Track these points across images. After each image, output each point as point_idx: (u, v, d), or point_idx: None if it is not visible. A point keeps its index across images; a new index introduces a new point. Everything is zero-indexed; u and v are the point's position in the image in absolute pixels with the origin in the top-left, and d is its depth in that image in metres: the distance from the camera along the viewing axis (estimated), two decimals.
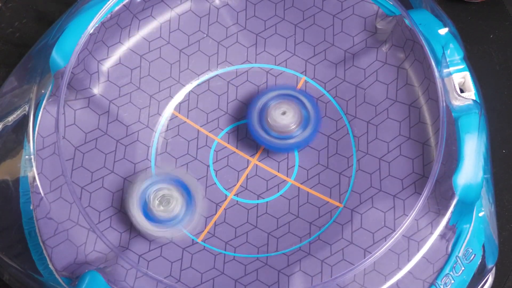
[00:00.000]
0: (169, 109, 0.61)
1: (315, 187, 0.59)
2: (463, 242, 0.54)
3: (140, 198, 0.56)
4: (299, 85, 0.61)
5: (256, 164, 0.60)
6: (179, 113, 0.61)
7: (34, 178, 0.57)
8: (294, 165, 0.60)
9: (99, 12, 0.58)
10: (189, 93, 0.62)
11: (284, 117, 0.58)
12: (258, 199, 0.59)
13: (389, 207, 0.56)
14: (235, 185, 0.60)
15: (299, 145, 0.59)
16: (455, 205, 0.53)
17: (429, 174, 0.54)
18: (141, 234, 0.57)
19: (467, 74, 0.57)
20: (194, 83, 0.62)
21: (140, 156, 0.60)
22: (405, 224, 0.53)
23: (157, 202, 0.56)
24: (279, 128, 0.58)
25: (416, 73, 0.58)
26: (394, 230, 0.55)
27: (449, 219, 0.54)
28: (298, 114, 0.58)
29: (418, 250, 0.54)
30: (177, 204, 0.56)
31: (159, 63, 0.61)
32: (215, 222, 0.59)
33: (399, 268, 0.54)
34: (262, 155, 0.60)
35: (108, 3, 0.58)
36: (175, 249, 0.58)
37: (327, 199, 0.58)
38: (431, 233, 0.54)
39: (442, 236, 0.54)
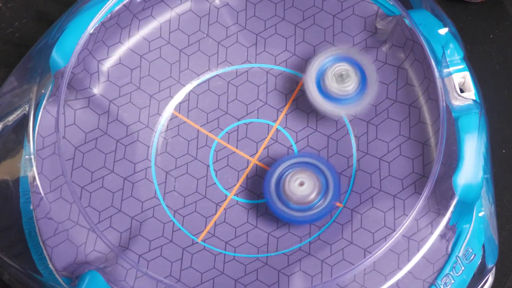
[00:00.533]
0: (169, 109, 0.61)
1: None
2: (463, 242, 0.54)
3: (316, 75, 0.58)
4: (299, 86, 0.61)
5: (256, 164, 0.60)
6: (179, 113, 0.61)
7: (34, 178, 0.57)
8: None
9: (99, 12, 0.58)
10: (189, 93, 0.62)
11: (302, 188, 0.56)
12: (258, 199, 0.59)
13: (389, 207, 0.56)
14: (235, 185, 0.60)
15: (319, 217, 0.57)
16: (455, 205, 0.53)
17: (429, 174, 0.54)
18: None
19: (467, 74, 0.57)
20: (194, 83, 0.62)
21: (140, 156, 0.60)
22: (405, 224, 0.53)
23: (334, 78, 0.57)
24: (297, 199, 0.56)
25: (416, 73, 0.58)
26: (394, 230, 0.55)
27: (449, 219, 0.54)
28: (316, 183, 0.56)
29: (418, 250, 0.54)
30: (352, 81, 0.57)
31: (159, 63, 0.61)
32: (215, 222, 0.59)
33: (399, 268, 0.54)
34: (262, 155, 0.60)
35: (108, 3, 0.58)
36: (175, 249, 0.58)
37: None
38: (431, 233, 0.54)
39: (442, 236, 0.54)
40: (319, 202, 0.56)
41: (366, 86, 0.57)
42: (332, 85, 0.57)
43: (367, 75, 0.58)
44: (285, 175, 0.57)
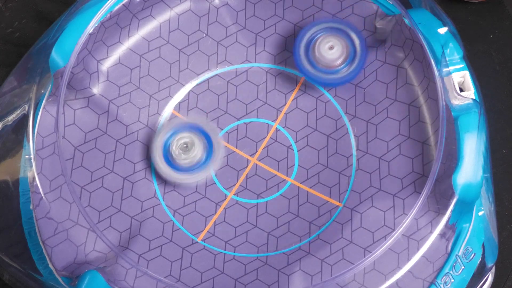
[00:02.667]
0: (168, 109, 0.61)
1: (314, 187, 0.59)
2: (463, 241, 0.54)
3: (163, 148, 0.58)
4: (299, 85, 0.61)
5: (256, 164, 0.60)
6: (178, 112, 0.61)
7: (34, 178, 0.57)
8: (294, 165, 0.60)
9: (99, 12, 0.58)
10: (188, 92, 0.62)
11: (332, 52, 0.58)
12: (258, 199, 0.59)
13: (388, 206, 0.56)
14: (235, 184, 0.60)
15: (343, 81, 0.59)
16: (455, 204, 0.53)
17: (429, 173, 0.54)
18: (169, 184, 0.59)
19: (466, 73, 0.57)
20: (194, 82, 0.62)
21: (139, 156, 0.60)
22: (405, 223, 0.53)
23: (178, 150, 0.58)
24: (325, 62, 0.58)
25: (415, 72, 0.58)
26: (394, 229, 0.55)
27: (449, 218, 0.54)
28: (346, 49, 0.58)
29: (418, 249, 0.54)
30: (197, 150, 0.58)
31: (159, 63, 0.61)
32: (215, 221, 0.59)
33: (399, 267, 0.54)
34: (261, 154, 0.60)
35: (108, 3, 0.58)
36: (175, 248, 0.58)
37: (326, 198, 0.58)
38: (431, 232, 0.54)
39: (442, 235, 0.54)
40: (345, 68, 0.58)
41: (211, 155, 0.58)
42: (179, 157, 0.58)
43: (213, 143, 0.58)
44: (316, 37, 0.58)
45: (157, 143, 0.58)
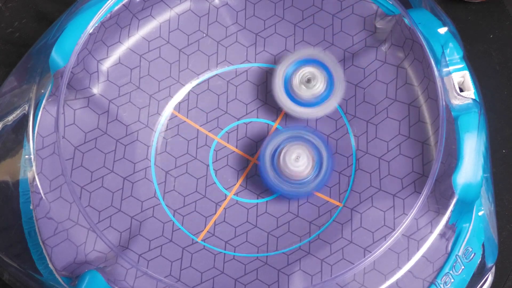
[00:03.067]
0: (168, 109, 0.61)
1: None
2: (463, 241, 0.54)
3: (283, 79, 0.58)
4: None
5: (256, 164, 0.60)
6: (178, 112, 0.61)
7: (34, 177, 0.57)
8: None
9: (99, 12, 0.58)
10: (188, 92, 0.62)
11: (299, 163, 0.57)
12: (257, 199, 0.59)
13: (388, 206, 0.56)
14: (235, 184, 0.60)
15: (315, 189, 0.57)
16: (455, 204, 0.53)
17: (429, 173, 0.54)
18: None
19: (466, 73, 0.57)
20: (194, 82, 0.62)
21: (139, 156, 0.60)
22: (405, 223, 0.53)
23: (300, 81, 0.58)
24: (293, 175, 0.57)
25: (415, 72, 0.58)
26: (394, 229, 0.55)
27: (449, 218, 0.54)
28: (311, 158, 0.57)
29: (418, 249, 0.54)
30: (319, 83, 0.58)
31: (159, 63, 0.61)
32: (215, 221, 0.59)
33: (399, 267, 0.54)
34: None
35: (108, 2, 0.58)
36: (175, 248, 0.58)
37: (326, 198, 0.58)
38: (431, 232, 0.54)
39: (442, 235, 0.54)
40: (310, 178, 0.57)
41: (333, 86, 0.58)
42: (300, 90, 0.58)
43: (333, 76, 0.58)
44: (280, 147, 0.57)
45: (278, 76, 0.58)
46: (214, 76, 0.62)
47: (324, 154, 0.57)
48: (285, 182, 0.57)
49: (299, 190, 0.57)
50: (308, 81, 0.58)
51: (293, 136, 0.58)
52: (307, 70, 0.58)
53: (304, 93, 0.58)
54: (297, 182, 0.57)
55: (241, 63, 0.62)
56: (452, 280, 0.54)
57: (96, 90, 0.60)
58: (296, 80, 0.58)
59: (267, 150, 0.57)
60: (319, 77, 0.58)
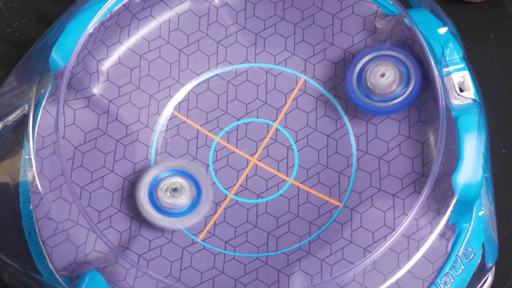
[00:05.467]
0: (168, 109, 0.61)
1: (314, 187, 0.59)
2: (463, 241, 0.54)
3: (149, 189, 0.57)
4: (299, 85, 0.61)
5: (256, 164, 0.60)
6: (178, 112, 0.61)
7: (34, 178, 0.57)
8: (294, 165, 0.60)
9: (99, 12, 0.58)
10: (188, 92, 0.62)
11: (384, 79, 0.57)
12: (258, 199, 0.59)
13: (388, 206, 0.56)
14: (235, 184, 0.60)
15: (404, 104, 0.57)
16: (455, 204, 0.53)
17: (429, 173, 0.54)
18: (150, 224, 0.57)
19: (466, 73, 0.57)
20: (194, 82, 0.62)
21: (139, 156, 0.60)
22: (405, 223, 0.53)
23: (166, 192, 0.57)
24: (382, 91, 0.57)
25: None
26: (394, 229, 0.55)
27: (449, 218, 0.54)
28: (397, 72, 0.57)
29: (418, 249, 0.54)
30: (185, 194, 0.57)
31: (159, 63, 0.61)
32: (215, 221, 0.59)
33: (399, 267, 0.54)
34: (261, 154, 0.60)
35: (108, 3, 0.58)
36: (175, 248, 0.58)
37: (326, 198, 0.58)
38: (431, 232, 0.54)
39: (442, 235, 0.54)
40: (402, 91, 0.57)
41: (200, 200, 0.58)
42: (164, 199, 0.57)
43: (201, 189, 0.57)
44: (366, 68, 0.57)
45: (144, 183, 0.57)
46: (214, 76, 0.62)
47: (410, 66, 0.57)
48: (374, 98, 0.57)
49: (389, 104, 0.57)
50: (175, 190, 0.57)
51: (378, 56, 0.58)
52: (175, 180, 0.57)
53: (169, 201, 0.57)
54: (387, 98, 0.57)
55: (241, 63, 0.62)
56: (452, 280, 0.54)
57: (96, 90, 0.60)
58: (162, 189, 0.57)
59: (355, 70, 0.58)
60: (186, 188, 0.57)
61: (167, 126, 0.61)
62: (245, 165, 0.60)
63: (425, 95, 0.57)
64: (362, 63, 0.58)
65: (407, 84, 0.57)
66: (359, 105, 0.58)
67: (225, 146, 0.61)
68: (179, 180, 0.57)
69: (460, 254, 0.54)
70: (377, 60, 0.57)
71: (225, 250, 0.58)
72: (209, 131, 0.61)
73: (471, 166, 0.53)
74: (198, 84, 0.62)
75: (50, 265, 0.56)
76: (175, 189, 0.57)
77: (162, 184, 0.57)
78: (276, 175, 0.60)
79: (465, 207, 0.54)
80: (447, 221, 0.54)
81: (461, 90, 0.57)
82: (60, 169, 0.57)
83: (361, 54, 0.58)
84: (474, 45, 0.68)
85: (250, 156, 0.60)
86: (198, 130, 0.61)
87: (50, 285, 0.55)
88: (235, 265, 0.57)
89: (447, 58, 0.57)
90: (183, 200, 0.57)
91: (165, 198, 0.56)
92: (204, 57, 0.62)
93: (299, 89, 0.61)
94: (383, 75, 0.57)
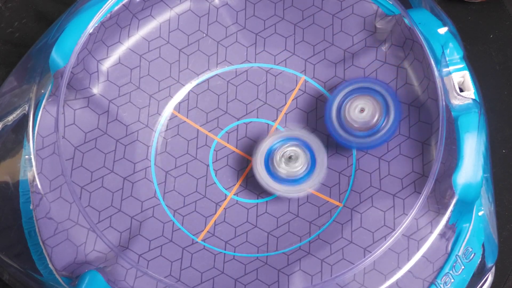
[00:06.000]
0: (168, 109, 0.61)
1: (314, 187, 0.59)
2: (463, 241, 0.54)
3: (265, 156, 0.58)
4: (299, 85, 0.61)
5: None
6: (178, 112, 0.61)
7: (34, 178, 0.57)
8: None
9: (99, 12, 0.58)
10: (188, 92, 0.62)
11: (364, 114, 0.57)
12: (258, 199, 0.59)
13: (388, 206, 0.56)
14: (235, 184, 0.60)
15: (387, 137, 0.57)
16: (455, 204, 0.53)
17: (429, 173, 0.54)
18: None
19: (466, 73, 0.57)
20: (194, 82, 0.62)
21: (139, 156, 0.60)
22: (405, 223, 0.53)
23: (282, 159, 0.57)
24: (361, 126, 0.57)
25: (415, 72, 0.58)
26: (394, 229, 0.56)
27: (449, 218, 0.54)
28: (376, 106, 0.57)
29: (418, 249, 0.54)
30: (301, 162, 0.57)
31: (159, 63, 0.61)
32: (215, 221, 0.59)
33: (399, 267, 0.54)
34: None
35: (108, 3, 0.58)
36: (175, 248, 0.58)
37: (326, 198, 0.58)
38: (431, 232, 0.54)
39: (442, 235, 0.54)
40: (383, 124, 0.57)
41: (315, 166, 0.58)
42: (280, 166, 0.57)
43: (316, 156, 0.58)
44: (344, 103, 0.57)
45: (260, 152, 0.58)
46: (214, 76, 0.62)
47: (390, 101, 0.57)
48: (353, 135, 0.57)
49: (368, 140, 0.57)
50: (290, 158, 0.57)
51: (356, 88, 0.58)
52: (290, 148, 0.58)
53: (284, 170, 0.57)
54: (365, 133, 0.57)
55: (241, 63, 0.62)
56: (452, 280, 0.54)
57: (96, 90, 0.60)
58: (277, 157, 0.57)
59: (333, 106, 0.58)
60: (301, 156, 0.58)
61: (167, 126, 0.61)
62: (245, 165, 0.60)
63: (425, 95, 0.57)
64: (339, 98, 0.58)
65: (387, 117, 0.57)
66: (340, 142, 0.58)
67: (225, 146, 0.61)
68: (293, 149, 0.57)
69: (460, 254, 0.54)
70: (355, 94, 0.57)
71: (225, 250, 0.58)
72: (209, 131, 0.61)
73: (471, 166, 0.53)
74: (198, 84, 0.62)
75: (50, 265, 0.56)
76: (290, 157, 0.57)
77: (277, 153, 0.57)
78: None
79: (465, 207, 0.54)
80: (447, 221, 0.54)
81: (461, 90, 0.57)
82: (60, 169, 0.57)
83: (337, 89, 0.58)
84: (474, 45, 0.68)
85: (250, 156, 0.60)
86: (198, 130, 0.61)
87: (50, 285, 0.55)
88: (235, 265, 0.57)
89: (447, 58, 0.57)
90: (298, 168, 0.57)
91: (280, 166, 0.57)
92: (204, 57, 0.62)
93: (299, 89, 0.61)
94: (362, 110, 0.57)
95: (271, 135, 0.58)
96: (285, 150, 0.57)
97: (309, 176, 0.57)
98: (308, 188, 0.57)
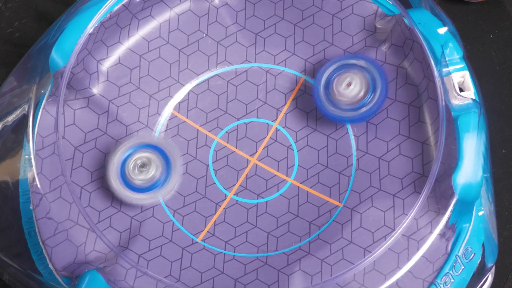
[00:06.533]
0: (168, 109, 0.61)
1: (314, 187, 0.59)
2: (463, 241, 0.54)
3: (119, 166, 0.57)
4: (299, 85, 0.61)
5: (256, 164, 0.60)
6: (178, 112, 0.61)
7: (34, 178, 0.57)
8: (294, 165, 0.60)
9: (99, 12, 0.58)
10: (188, 92, 0.62)
11: (351, 88, 0.57)
12: (257, 199, 0.59)
13: (388, 206, 0.56)
14: (235, 184, 0.60)
15: (371, 112, 0.58)
16: (455, 204, 0.53)
17: (429, 173, 0.54)
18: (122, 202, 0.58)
19: (466, 73, 0.57)
20: (194, 82, 0.62)
21: None
22: (405, 223, 0.53)
23: (135, 168, 0.57)
24: (348, 100, 0.57)
25: (415, 72, 0.58)
26: (394, 229, 0.55)
27: (449, 218, 0.54)
28: (364, 81, 0.57)
29: (417, 249, 0.54)
30: (155, 169, 0.57)
31: (159, 63, 0.61)
32: (214, 221, 0.59)
33: (398, 267, 0.54)
34: (261, 154, 0.60)
35: (108, 3, 0.58)
36: (174, 248, 0.58)
37: (326, 198, 0.58)
38: (431, 232, 0.54)
39: (442, 235, 0.54)
40: (370, 99, 0.57)
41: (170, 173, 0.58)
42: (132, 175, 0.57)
43: (171, 162, 0.58)
44: (332, 79, 0.57)
45: (113, 162, 0.57)
46: (214, 76, 0.62)
47: (377, 77, 0.57)
48: (340, 108, 0.57)
49: (355, 114, 0.57)
50: (142, 165, 0.57)
51: (343, 65, 0.58)
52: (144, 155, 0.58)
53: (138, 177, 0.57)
54: (353, 107, 0.57)
55: (241, 63, 0.62)
56: (452, 280, 0.54)
57: (96, 90, 0.60)
58: (130, 165, 0.57)
59: (322, 81, 0.58)
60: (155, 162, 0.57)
61: (167, 126, 0.61)
62: (245, 165, 0.60)
63: (425, 95, 0.57)
64: (327, 74, 0.58)
65: (374, 92, 0.57)
66: (327, 115, 0.58)
67: (225, 146, 0.61)
68: (146, 155, 0.57)
69: (460, 254, 0.54)
70: (343, 69, 0.58)
71: (225, 250, 0.58)
72: (209, 131, 0.61)
73: (471, 166, 0.53)
74: (198, 84, 0.62)
75: (50, 265, 0.56)
76: (143, 165, 0.57)
77: (130, 161, 0.57)
78: (276, 175, 0.60)
79: (465, 207, 0.54)
80: (447, 221, 0.54)
81: (461, 90, 0.57)
82: (60, 169, 0.57)
83: (325, 65, 0.58)
84: (474, 45, 0.68)
85: (250, 156, 0.60)
86: (198, 130, 0.61)
87: (50, 285, 0.55)
88: (235, 265, 0.57)
89: (447, 58, 0.57)
90: (151, 174, 0.57)
91: (134, 175, 0.57)
92: (204, 57, 0.62)
93: (299, 89, 0.61)
94: (349, 84, 0.57)
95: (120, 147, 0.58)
96: (137, 158, 0.57)
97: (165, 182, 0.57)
98: (161, 195, 0.57)
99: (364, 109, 0.57)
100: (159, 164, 0.57)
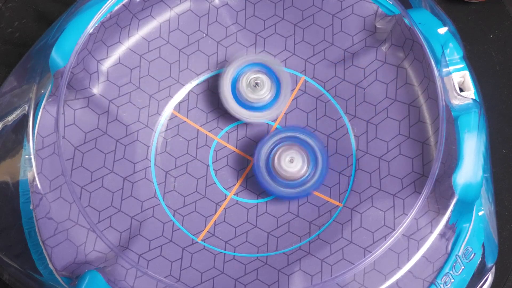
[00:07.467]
0: (168, 109, 0.61)
1: None
2: (463, 241, 0.54)
3: (231, 81, 0.59)
4: (299, 85, 0.61)
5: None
6: (178, 112, 0.61)
7: (34, 178, 0.57)
8: None
9: (99, 12, 0.58)
10: (188, 92, 0.62)
11: (293, 165, 0.57)
12: (257, 199, 0.59)
13: (388, 206, 0.56)
14: (235, 184, 0.60)
15: (312, 189, 0.58)
16: (455, 204, 0.53)
17: (429, 173, 0.54)
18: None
19: (466, 73, 0.57)
20: (194, 82, 0.62)
21: (139, 156, 0.60)
22: (405, 223, 0.53)
23: (247, 85, 0.58)
24: (289, 177, 0.57)
25: (415, 72, 0.58)
26: (394, 229, 0.55)
27: (449, 218, 0.54)
28: (306, 158, 0.57)
29: (418, 249, 0.54)
30: (266, 89, 0.58)
31: (159, 63, 0.61)
32: (214, 221, 0.59)
33: (399, 267, 0.54)
34: None
35: (108, 3, 0.58)
36: (175, 248, 0.58)
37: (326, 198, 0.58)
38: (431, 232, 0.54)
39: (442, 235, 0.54)
40: (309, 177, 0.57)
41: (280, 93, 0.59)
42: (246, 93, 0.58)
43: (281, 83, 0.58)
44: (274, 151, 0.57)
45: (226, 80, 0.59)
46: (214, 76, 0.62)
47: (318, 153, 0.57)
48: (281, 184, 0.57)
49: (296, 191, 0.57)
50: (256, 85, 0.58)
51: (287, 137, 0.58)
52: (255, 75, 0.59)
53: (251, 96, 0.58)
54: (294, 183, 0.57)
55: None
56: (452, 280, 0.54)
57: (96, 90, 0.60)
58: (243, 84, 0.58)
59: (262, 153, 0.58)
60: (266, 82, 0.58)
61: (167, 126, 0.61)
62: (245, 165, 0.60)
63: (425, 95, 0.57)
64: (267, 148, 0.58)
65: (315, 168, 0.57)
66: (269, 191, 0.58)
67: (225, 146, 0.61)
68: (259, 76, 0.59)
69: (460, 254, 0.54)
70: (284, 143, 0.58)
71: (225, 250, 0.58)
72: (209, 131, 0.61)
73: (471, 166, 0.53)
74: (198, 84, 0.62)
75: (50, 265, 0.56)
76: (256, 84, 0.58)
77: (244, 79, 0.59)
78: None
79: (465, 207, 0.54)
80: (447, 221, 0.54)
81: (461, 90, 0.57)
82: (60, 169, 0.57)
83: (266, 138, 0.58)
84: (474, 45, 0.68)
85: (250, 156, 0.60)
86: (198, 130, 0.61)
87: (50, 285, 0.55)
88: (235, 265, 0.57)
89: (447, 58, 0.57)
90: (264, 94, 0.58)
91: (247, 92, 0.58)
92: (204, 57, 0.62)
93: (299, 89, 0.61)
94: (292, 160, 0.57)
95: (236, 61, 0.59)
96: (251, 77, 0.59)
97: (274, 103, 0.59)
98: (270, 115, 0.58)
99: (304, 187, 0.57)
100: (271, 84, 0.58)
